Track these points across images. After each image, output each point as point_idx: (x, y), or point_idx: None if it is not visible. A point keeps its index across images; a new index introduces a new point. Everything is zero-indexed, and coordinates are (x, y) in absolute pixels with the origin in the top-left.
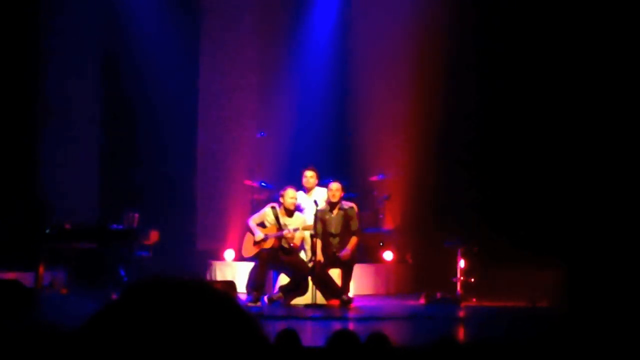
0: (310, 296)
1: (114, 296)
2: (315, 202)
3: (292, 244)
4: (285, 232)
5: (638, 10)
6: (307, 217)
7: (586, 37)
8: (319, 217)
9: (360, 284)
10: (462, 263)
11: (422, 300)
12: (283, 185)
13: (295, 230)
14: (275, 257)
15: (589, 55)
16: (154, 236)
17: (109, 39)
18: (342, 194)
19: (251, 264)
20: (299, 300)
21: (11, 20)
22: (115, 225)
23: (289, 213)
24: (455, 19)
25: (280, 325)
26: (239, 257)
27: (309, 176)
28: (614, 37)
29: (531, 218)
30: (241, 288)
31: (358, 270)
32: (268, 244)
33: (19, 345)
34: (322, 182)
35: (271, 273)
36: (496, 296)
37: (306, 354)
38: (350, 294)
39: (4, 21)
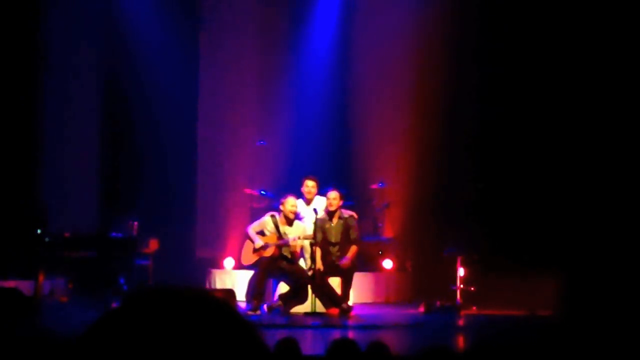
0: (310, 304)
1: (114, 304)
2: (315, 210)
3: (294, 252)
4: (290, 241)
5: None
6: (306, 226)
7: (589, 55)
8: (319, 225)
9: (359, 292)
10: (461, 271)
11: (421, 309)
12: (283, 194)
13: (296, 239)
14: (275, 265)
15: (588, 69)
16: (153, 244)
17: (109, 48)
18: (341, 203)
19: (251, 272)
20: (298, 309)
21: (11, 29)
22: (114, 234)
23: (289, 222)
24: (457, 27)
25: (280, 334)
26: (239, 266)
27: (311, 186)
28: (614, 49)
29: (530, 226)
30: (241, 296)
31: (357, 278)
32: (268, 253)
33: (20, 353)
34: (321, 191)
35: (271, 281)
36: (496, 304)
37: None
38: (350, 303)
39: (4, 29)
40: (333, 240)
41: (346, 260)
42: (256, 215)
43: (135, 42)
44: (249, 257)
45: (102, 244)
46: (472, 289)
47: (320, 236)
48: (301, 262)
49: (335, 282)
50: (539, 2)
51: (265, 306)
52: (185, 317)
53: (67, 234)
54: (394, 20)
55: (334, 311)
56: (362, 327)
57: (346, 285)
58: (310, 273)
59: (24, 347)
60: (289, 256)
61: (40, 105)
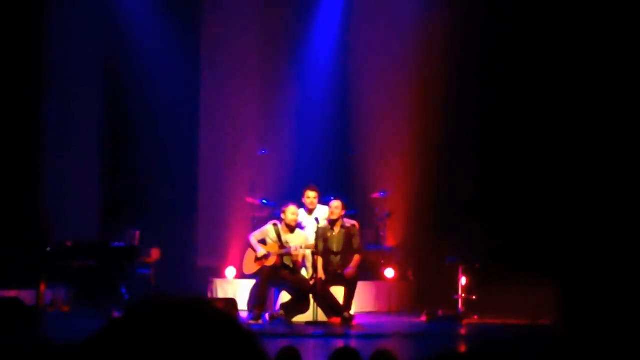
0: (312, 314)
1: (116, 314)
2: (317, 219)
3: (296, 262)
4: (292, 250)
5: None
6: (308, 235)
7: (589, 60)
8: (321, 234)
9: (361, 301)
10: (463, 280)
11: (423, 318)
12: (284, 203)
13: (298, 248)
14: (276, 274)
15: (587, 77)
16: (155, 254)
17: (110, 55)
18: (343, 212)
19: (252, 282)
20: (300, 318)
21: (13, 33)
22: (116, 243)
23: (291, 230)
24: (458, 34)
25: (282, 343)
26: (240, 275)
27: (312, 197)
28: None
29: (532, 235)
30: (242, 306)
31: (359, 287)
32: (270, 262)
33: None
34: (323, 200)
35: (272, 290)
36: (498, 313)
37: None
38: (352, 312)
39: (6, 33)
40: (335, 249)
41: (351, 270)
42: (258, 224)
43: (137, 53)
44: (250, 267)
45: (103, 253)
46: (474, 297)
47: (321, 245)
48: (303, 272)
49: (337, 291)
50: (541, 4)
51: (267, 315)
52: (186, 327)
53: (68, 243)
54: (396, 28)
55: (336, 320)
56: (364, 337)
57: (349, 294)
58: (312, 282)
59: (25, 357)
60: (291, 265)
61: (42, 115)
